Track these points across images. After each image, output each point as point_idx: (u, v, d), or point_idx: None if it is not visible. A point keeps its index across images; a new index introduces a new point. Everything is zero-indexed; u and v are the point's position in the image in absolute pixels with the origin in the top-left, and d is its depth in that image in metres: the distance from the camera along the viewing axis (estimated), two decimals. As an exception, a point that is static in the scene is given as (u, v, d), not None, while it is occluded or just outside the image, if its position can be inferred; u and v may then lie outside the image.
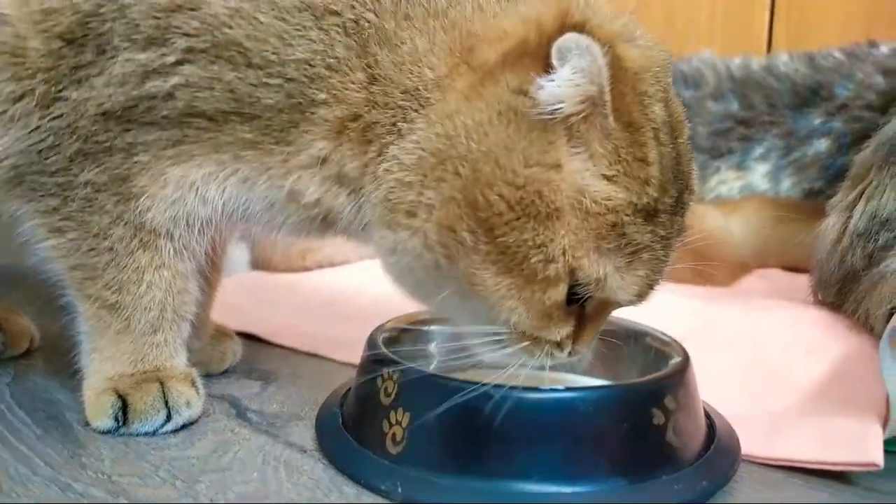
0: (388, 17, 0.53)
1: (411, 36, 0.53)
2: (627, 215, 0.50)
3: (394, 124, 0.54)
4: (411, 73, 0.53)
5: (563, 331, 0.53)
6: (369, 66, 0.54)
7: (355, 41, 0.54)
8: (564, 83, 0.48)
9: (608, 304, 0.54)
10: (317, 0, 0.54)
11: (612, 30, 0.51)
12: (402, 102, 0.53)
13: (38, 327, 0.79)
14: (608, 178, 0.50)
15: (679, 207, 0.53)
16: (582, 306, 0.54)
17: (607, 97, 0.49)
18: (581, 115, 0.49)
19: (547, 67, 0.49)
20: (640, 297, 0.53)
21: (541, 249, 0.50)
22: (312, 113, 0.54)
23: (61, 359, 0.68)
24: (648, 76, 0.52)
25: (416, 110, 0.53)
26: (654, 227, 0.51)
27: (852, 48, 1.26)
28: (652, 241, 0.51)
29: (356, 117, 0.54)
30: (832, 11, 1.57)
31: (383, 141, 0.54)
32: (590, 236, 0.50)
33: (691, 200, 0.55)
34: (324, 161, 0.56)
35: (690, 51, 1.42)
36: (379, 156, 0.55)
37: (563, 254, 0.50)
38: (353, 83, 0.54)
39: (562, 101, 0.49)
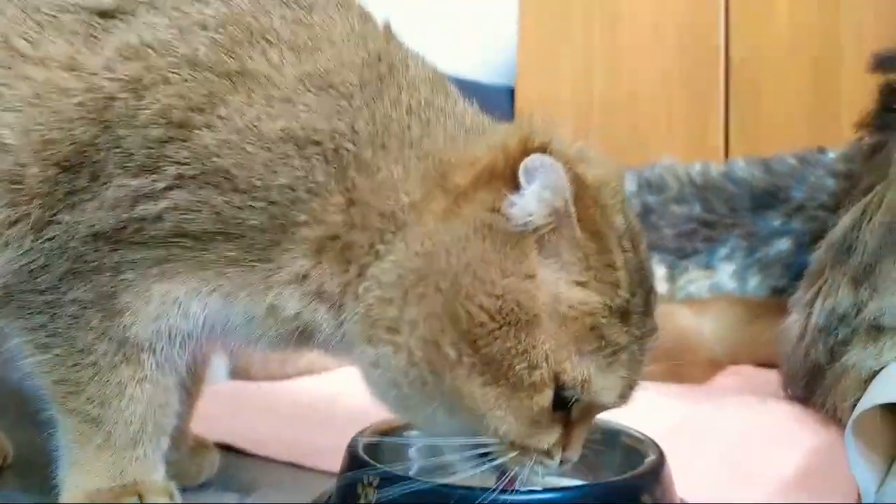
0: (366, 147, 0.57)
1: (387, 164, 0.57)
2: (604, 317, 0.53)
3: (371, 245, 0.57)
4: (388, 198, 0.57)
5: (551, 438, 0.54)
6: (348, 190, 0.57)
7: (335, 168, 0.57)
8: (533, 198, 0.52)
9: (592, 408, 0.56)
10: (299, 131, 0.57)
11: (570, 153, 0.56)
12: (379, 225, 0.56)
13: (11, 443, 0.78)
14: (581, 284, 0.53)
15: (647, 308, 0.56)
16: (568, 412, 0.55)
17: (572, 209, 0.53)
18: (550, 228, 0.53)
19: (515, 187, 0.53)
20: (623, 398, 0.55)
21: (524, 356, 0.52)
22: (293, 233, 0.57)
23: (37, 474, 0.67)
24: (607, 190, 0.56)
25: (392, 232, 0.56)
26: (629, 327, 0.54)
27: (803, 154, 1.34)
28: (629, 342, 0.54)
29: (335, 237, 0.57)
30: (781, 119, 1.67)
31: (362, 262, 0.57)
32: (570, 340, 0.52)
33: (656, 302, 0.58)
34: (304, 277, 0.58)
35: (653, 158, 1.50)
36: (359, 276, 0.57)
37: (546, 359, 0.52)
38: (332, 206, 0.57)
39: (531, 215, 0.52)
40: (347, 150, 0.57)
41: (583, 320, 0.52)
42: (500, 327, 0.52)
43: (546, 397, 0.52)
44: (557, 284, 0.53)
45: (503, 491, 0.52)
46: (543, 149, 0.54)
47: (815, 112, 1.64)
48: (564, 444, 0.55)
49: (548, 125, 0.57)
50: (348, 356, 0.61)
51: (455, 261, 0.53)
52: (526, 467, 0.54)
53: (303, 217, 0.57)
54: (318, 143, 0.57)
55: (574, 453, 0.56)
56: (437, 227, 0.55)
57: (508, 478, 0.53)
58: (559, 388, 0.53)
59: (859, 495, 0.60)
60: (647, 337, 0.55)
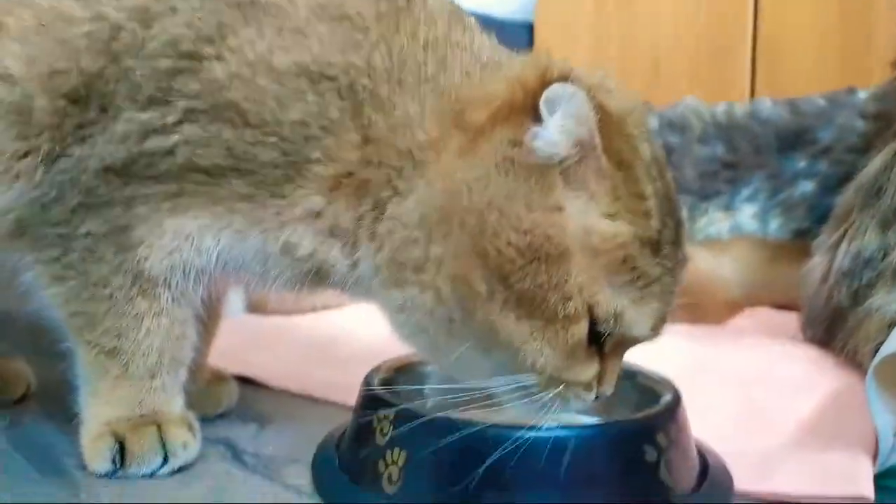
0: (382, 83, 0.56)
1: (404, 101, 0.56)
2: (635, 249, 0.52)
3: (388, 181, 0.55)
4: (404, 136, 0.55)
5: (589, 371, 0.54)
6: (363, 127, 0.56)
7: (350, 104, 0.56)
8: (556, 129, 0.51)
9: (626, 342, 0.55)
10: (312, 65, 0.56)
11: (591, 82, 0.54)
12: (396, 162, 0.55)
13: (33, 372, 0.79)
14: (611, 216, 0.52)
15: (678, 239, 0.55)
16: (601, 347, 0.54)
17: (597, 139, 0.51)
18: (575, 159, 0.51)
19: (536, 119, 0.52)
20: (655, 330, 0.55)
21: (557, 289, 0.51)
22: (307, 170, 0.56)
23: (57, 404, 0.68)
24: (631, 119, 0.55)
25: (411, 170, 0.55)
26: (661, 258, 0.53)
27: (832, 94, 1.30)
28: (661, 273, 0.53)
29: (350, 174, 0.56)
30: (809, 59, 1.62)
31: (378, 196, 0.56)
32: (602, 272, 0.51)
33: (686, 233, 0.57)
34: (318, 215, 0.57)
35: (675, 97, 1.46)
36: (374, 209, 0.56)
37: (580, 291, 0.51)
38: (346, 143, 0.56)
39: (556, 146, 0.51)
40: (363, 86, 0.56)
41: (614, 252, 0.51)
42: (530, 262, 0.51)
43: (582, 329, 0.52)
44: (586, 217, 0.52)
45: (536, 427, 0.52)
46: (564, 78, 0.52)
47: (846, 51, 1.58)
48: (599, 378, 0.55)
49: (564, 60, 0.55)
50: (365, 296, 0.61)
51: (478, 198, 0.52)
52: (564, 402, 0.53)
53: (316, 154, 0.56)
54: (332, 78, 0.56)
55: (609, 387, 0.56)
56: (458, 166, 0.53)
57: (546, 412, 0.53)
58: (593, 321, 0.52)
59: (877, 439, 0.60)
60: (679, 268, 0.54)
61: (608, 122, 0.52)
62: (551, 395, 0.53)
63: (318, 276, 0.60)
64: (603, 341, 0.54)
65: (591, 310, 0.52)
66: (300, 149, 0.56)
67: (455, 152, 0.54)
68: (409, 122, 0.55)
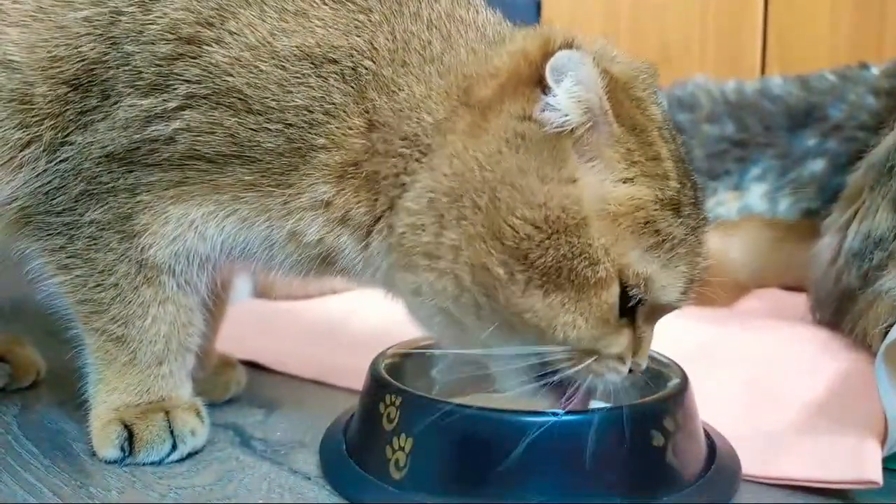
0: (386, 65, 0.55)
1: (408, 82, 0.55)
2: (656, 210, 0.51)
3: (397, 175, 0.55)
4: (410, 119, 0.55)
5: (622, 341, 0.53)
6: (367, 112, 0.55)
7: (353, 88, 0.55)
8: (565, 96, 0.50)
9: (656, 311, 0.55)
10: (315, 49, 0.55)
11: (594, 49, 0.54)
12: (402, 150, 0.55)
13: (43, 359, 0.80)
14: (628, 181, 0.52)
15: (697, 198, 0.55)
16: (633, 318, 0.54)
17: (607, 105, 0.51)
18: (587, 127, 0.51)
19: (544, 90, 0.51)
20: (685, 294, 0.54)
21: (583, 257, 0.50)
22: (312, 157, 0.56)
23: (67, 390, 0.69)
24: (638, 83, 0.55)
25: (417, 159, 0.54)
26: (683, 218, 0.53)
27: (844, 70, 1.28)
28: (685, 234, 0.53)
29: (356, 164, 0.56)
30: (821, 35, 1.59)
31: (390, 194, 0.55)
32: (626, 235, 0.51)
33: (703, 193, 0.57)
34: (327, 204, 0.57)
35: (685, 76, 1.44)
36: (389, 209, 0.56)
37: (606, 253, 0.51)
38: (351, 129, 0.55)
39: (567, 115, 0.50)
40: (366, 69, 0.55)
41: (635, 216, 0.51)
42: (550, 236, 0.50)
43: (613, 293, 0.51)
44: (603, 185, 0.51)
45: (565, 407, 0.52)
46: (568, 46, 0.52)
47: (858, 27, 1.55)
48: (633, 349, 0.54)
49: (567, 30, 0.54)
50: (372, 283, 0.60)
51: (490, 176, 0.51)
52: (596, 377, 0.53)
53: (321, 140, 0.55)
54: (335, 62, 0.55)
55: (643, 359, 0.55)
56: (467, 145, 0.53)
57: (576, 389, 0.53)
58: (624, 287, 0.51)
59: (886, 423, 0.59)
60: (701, 228, 0.54)
61: (616, 88, 0.52)
62: (579, 369, 0.52)
63: (324, 263, 0.60)
64: (634, 312, 0.53)
65: (620, 271, 0.51)
66: (304, 134, 0.55)
67: (463, 132, 0.53)
68: (414, 104, 0.55)
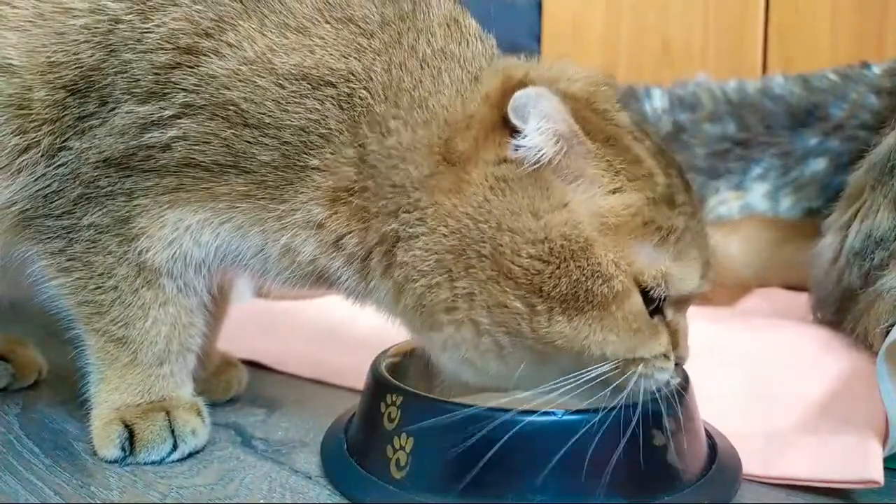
0: (379, 101, 0.55)
1: (397, 127, 0.55)
2: (651, 210, 0.52)
3: (388, 214, 0.55)
4: (397, 169, 0.55)
5: (662, 340, 0.54)
6: (361, 146, 0.56)
7: (347, 117, 0.55)
8: (535, 134, 0.51)
9: (682, 302, 0.56)
10: (313, 70, 0.55)
11: (550, 75, 0.55)
12: (391, 195, 0.55)
13: (45, 359, 0.80)
14: (617, 191, 0.52)
15: (686, 183, 0.56)
16: (662, 314, 0.54)
17: (576, 127, 0.52)
18: (562, 153, 0.51)
19: (513, 131, 0.52)
20: (704, 278, 0.55)
21: (595, 276, 0.51)
22: (307, 176, 0.56)
23: (69, 389, 0.69)
24: (599, 96, 0.56)
25: (407, 211, 0.55)
26: (679, 206, 0.53)
27: (845, 70, 1.28)
28: (687, 221, 0.53)
29: (349, 190, 0.56)
30: (823, 35, 1.59)
31: (383, 231, 0.56)
32: (630, 243, 0.52)
33: (689, 178, 0.57)
34: (320, 226, 0.57)
35: (686, 75, 1.44)
36: (381, 245, 0.56)
37: (617, 266, 0.51)
38: (344, 158, 0.56)
39: (540, 149, 0.51)
40: (361, 98, 0.55)
41: (634, 221, 0.52)
42: (559, 266, 0.51)
43: (635, 302, 0.52)
44: (594, 200, 0.52)
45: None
46: (523, 84, 0.53)
47: (860, 26, 1.55)
48: (672, 343, 0.55)
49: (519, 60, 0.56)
50: (376, 308, 0.61)
51: (486, 227, 0.52)
52: (648, 379, 0.53)
53: (315, 161, 0.56)
54: (332, 85, 0.56)
55: (685, 350, 0.56)
56: (455, 203, 0.53)
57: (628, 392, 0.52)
58: (644, 291, 0.52)
59: (887, 422, 0.59)
60: (699, 210, 0.55)
61: (580, 107, 0.53)
62: (627, 377, 0.53)
63: (320, 280, 0.60)
64: (662, 309, 0.54)
65: (636, 280, 0.52)
66: (300, 153, 0.56)
67: (450, 191, 0.53)
68: (401, 156, 0.55)
